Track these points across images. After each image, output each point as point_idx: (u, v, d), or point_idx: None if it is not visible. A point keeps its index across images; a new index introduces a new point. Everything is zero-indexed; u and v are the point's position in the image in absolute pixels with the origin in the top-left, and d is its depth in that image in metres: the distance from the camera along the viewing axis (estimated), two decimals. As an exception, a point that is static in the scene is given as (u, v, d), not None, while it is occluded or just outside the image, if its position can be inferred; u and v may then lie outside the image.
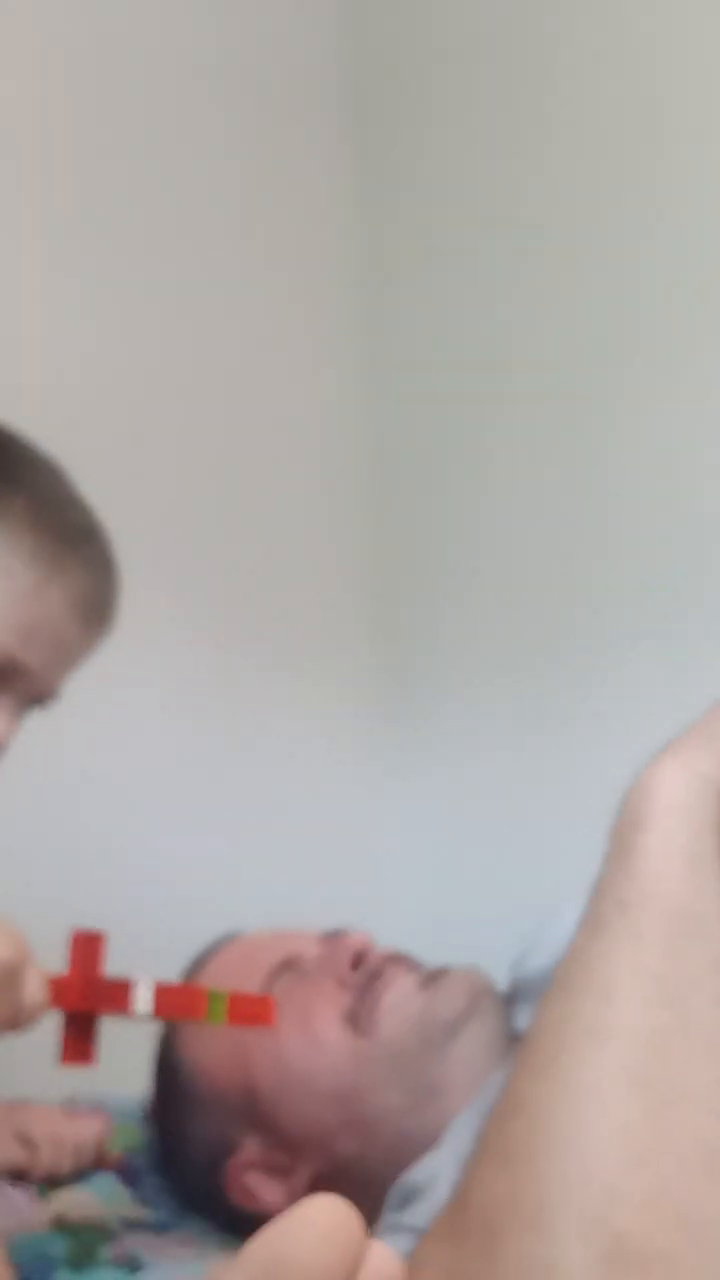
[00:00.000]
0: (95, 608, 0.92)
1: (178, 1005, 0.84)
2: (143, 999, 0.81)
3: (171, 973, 1.06)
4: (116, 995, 0.82)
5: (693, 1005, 0.56)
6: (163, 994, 0.82)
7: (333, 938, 1.00)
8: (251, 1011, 0.83)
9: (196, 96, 1.72)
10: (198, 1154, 0.98)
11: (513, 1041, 0.92)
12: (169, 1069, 1.01)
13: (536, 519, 1.67)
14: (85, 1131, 1.00)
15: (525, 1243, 0.52)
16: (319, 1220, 0.30)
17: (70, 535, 0.91)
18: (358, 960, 0.97)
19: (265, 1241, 0.29)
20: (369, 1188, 0.84)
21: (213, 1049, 0.97)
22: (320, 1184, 0.92)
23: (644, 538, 1.55)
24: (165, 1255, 0.92)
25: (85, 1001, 0.81)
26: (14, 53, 1.58)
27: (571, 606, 1.62)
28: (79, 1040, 0.82)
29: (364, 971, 0.96)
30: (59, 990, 0.80)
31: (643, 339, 1.56)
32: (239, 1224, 0.95)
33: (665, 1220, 0.52)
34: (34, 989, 0.77)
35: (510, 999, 0.97)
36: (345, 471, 1.83)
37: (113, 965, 0.87)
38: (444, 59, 1.76)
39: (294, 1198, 0.92)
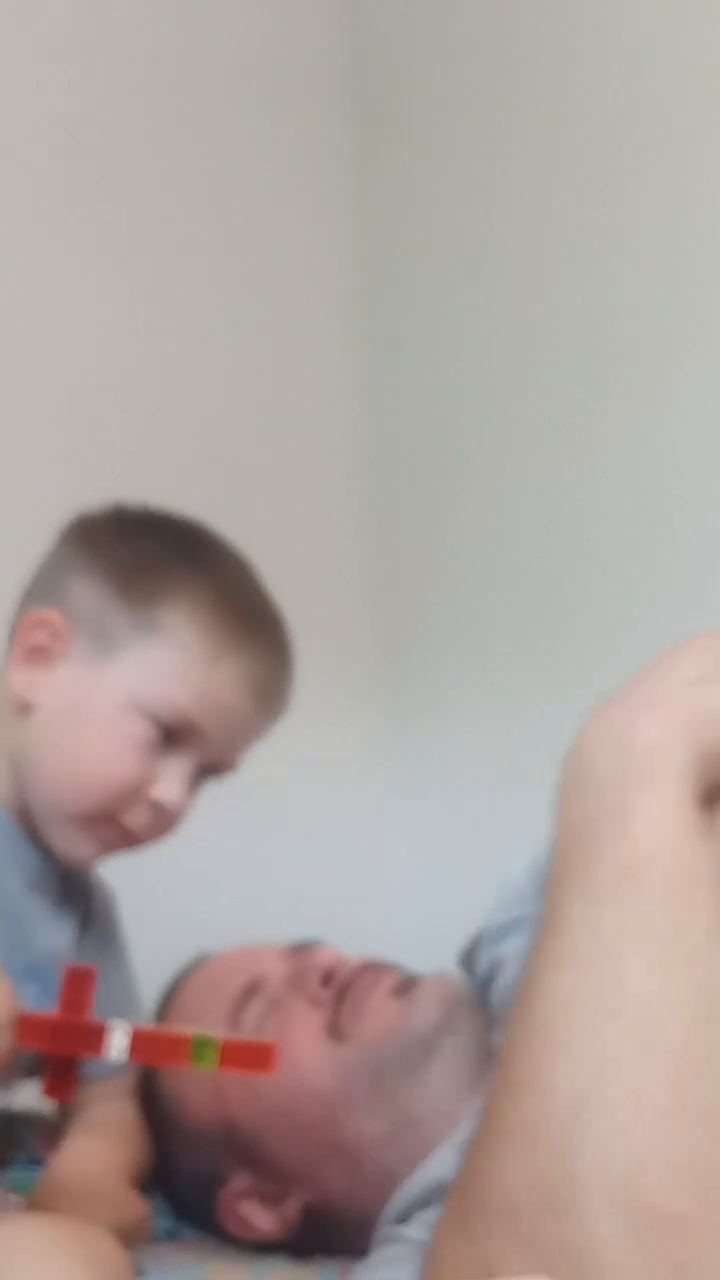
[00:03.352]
0: (266, 689, 1.00)
1: (158, 1051, 0.79)
2: (117, 1045, 0.78)
3: (160, 969, 1.06)
4: (89, 1038, 0.78)
5: (701, 969, 0.55)
6: (140, 1039, 0.78)
7: (299, 953, 0.99)
8: (248, 1057, 0.77)
9: (198, 94, 1.72)
10: (189, 1183, 0.98)
11: (492, 1058, 0.91)
12: (151, 1098, 1.01)
13: (535, 509, 1.67)
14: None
15: (559, 1226, 0.51)
16: None
17: (247, 620, 1.00)
18: (328, 977, 0.96)
19: None
20: (359, 1222, 0.84)
21: (189, 1082, 0.96)
22: (312, 1213, 0.92)
23: (641, 525, 1.55)
24: (165, 1261, 0.92)
25: (54, 1045, 0.79)
26: (17, 50, 1.57)
27: (572, 603, 1.61)
28: (59, 1078, 0.80)
29: (335, 985, 0.95)
30: (28, 1029, 0.78)
31: (643, 335, 1.55)
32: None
33: (695, 1187, 0.51)
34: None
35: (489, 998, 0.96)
36: (345, 461, 1.83)
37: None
38: (445, 55, 1.76)
39: (287, 1225, 0.93)
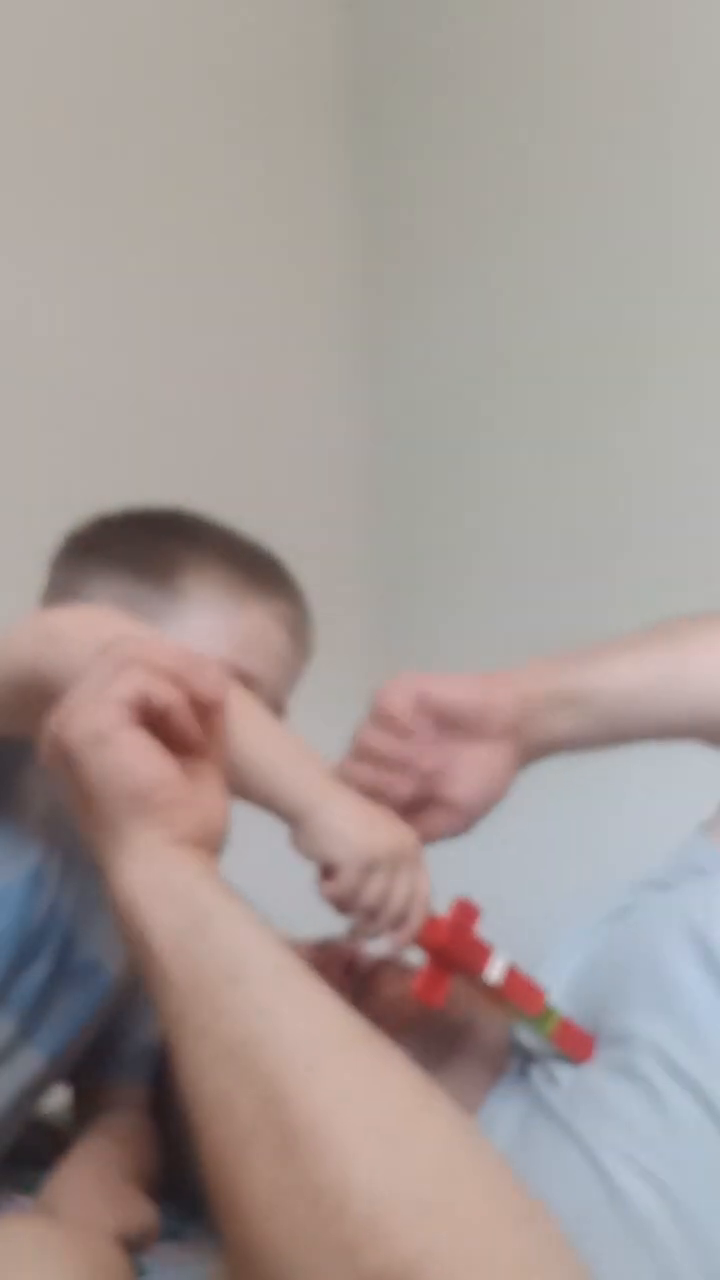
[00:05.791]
0: (294, 624, 1.05)
1: (520, 993, 0.86)
2: (496, 969, 0.85)
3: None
4: (476, 954, 0.85)
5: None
6: (513, 977, 0.85)
7: (323, 949, 1.00)
8: (573, 1045, 0.85)
9: (197, 93, 1.73)
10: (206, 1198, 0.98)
11: (511, 1057, 0.91)
12: (164, 1117, 1.02)
13: (533, 505, 1.68)
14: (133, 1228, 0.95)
15: None
16: None
17: (256, 567, 1.05)
18: (349, 968, 0.97)
19: None
20: None
21: None
22: None
23: (637, 519, 1.56)
24: (169, 1261, 0.92)
25: (450, 943, 0.84)
26: (19, 51, 1.57)
27: (571, 599, 1.62)
28: (433, 981, 0.85)
29: (357, 978, 0.96)
30: (431, 926, 0.85)
31: (643, 333, 1.56)
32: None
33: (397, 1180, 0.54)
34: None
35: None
36: (344, 459, 1.83)
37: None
38: (444, 54, 1.77)
39: None
